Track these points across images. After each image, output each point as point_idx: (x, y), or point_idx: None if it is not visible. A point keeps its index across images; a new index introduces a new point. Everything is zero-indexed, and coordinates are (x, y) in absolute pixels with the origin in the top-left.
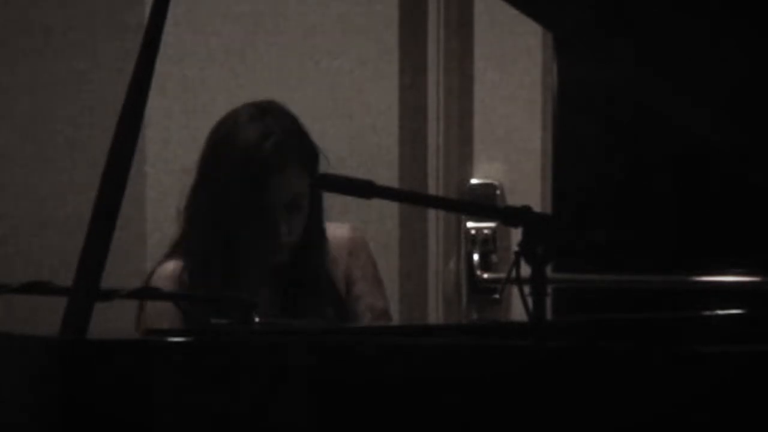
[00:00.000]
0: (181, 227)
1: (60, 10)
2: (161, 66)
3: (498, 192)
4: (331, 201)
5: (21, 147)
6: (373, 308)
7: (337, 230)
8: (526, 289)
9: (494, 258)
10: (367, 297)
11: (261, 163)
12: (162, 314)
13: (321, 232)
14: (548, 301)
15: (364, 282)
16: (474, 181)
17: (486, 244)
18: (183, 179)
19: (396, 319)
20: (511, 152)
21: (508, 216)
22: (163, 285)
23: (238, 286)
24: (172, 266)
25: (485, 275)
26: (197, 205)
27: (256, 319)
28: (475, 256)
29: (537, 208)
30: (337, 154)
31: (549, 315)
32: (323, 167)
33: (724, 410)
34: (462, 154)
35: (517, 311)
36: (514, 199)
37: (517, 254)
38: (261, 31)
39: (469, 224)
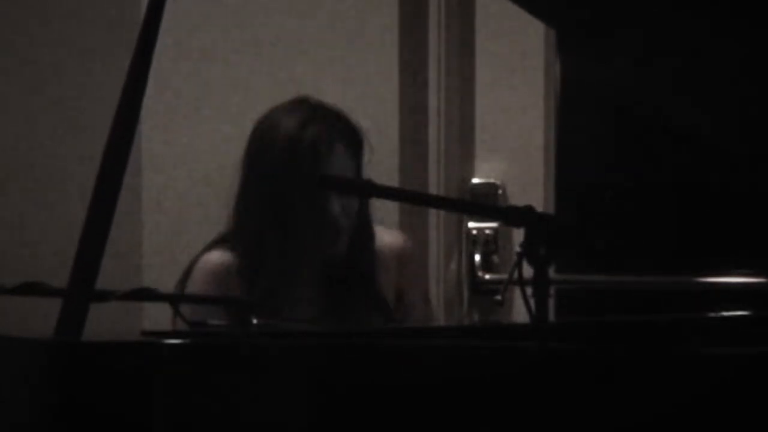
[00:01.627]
0: (231, 224)
1: (54, 9)
2: (157, 67)
3: (500, 191)
4: None
5: (15, 147)
6: (427, 314)
7: (387, 237)
8: (529, 291)
9: (496, 259)
10: (418, 309)
11: (308, 148)
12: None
13: (369, 222)
14: (551, 303)
15: (414, 294)
16: (475, 180)
17: (487, 244)
18: (180, 177)
19: None
20: (513, 151)
21: (510, 216)
22: (206, 278)
23: (289, 282)
24: (216, 258)
25: (487, 276)
26: (247, 201)
27: (254, 321)
28: (477, 257)
29: (539, 207)
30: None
31: (551, 317)
32: (367, 149)
33: (729, 412)
34: (463, 153)
35: (520, 313)
36: (516, 199)
37: (520, 255)
38: (259, 33)
39: (471, 224)
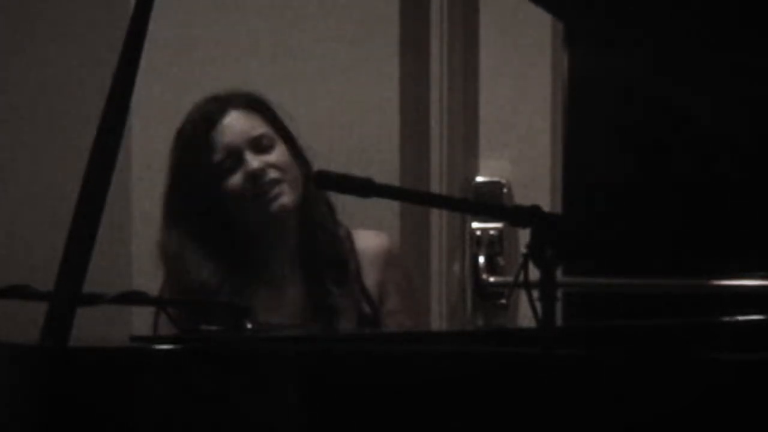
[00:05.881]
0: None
1: (42, 8)
2: (148, 63)
3: (505, 190)
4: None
5: (3, 148)
6: (404, 326)
7: (372, 239)
8: (535, 294)
9: (501, 260)
10: (401, 314)
11: (201, 119)
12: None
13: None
14: (558, 307)
15: (398, 297)
16: (479, 178)
17: (492, 245)
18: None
19: None
20: (518, 148)
21: (516, 216)
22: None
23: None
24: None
25: (491, 279)
26: (170, 207)
27: (248, 326)
28: (481, 259)
29: (546, 207)
30: (335, 151)
31: (558, 321)
32: (287, 117)
33: (739, 418)
34: (467, 151)
35: (525, 317)
36: (521, 198)
37: (525, 257)
38: (257, 28)
39: (475, 225)
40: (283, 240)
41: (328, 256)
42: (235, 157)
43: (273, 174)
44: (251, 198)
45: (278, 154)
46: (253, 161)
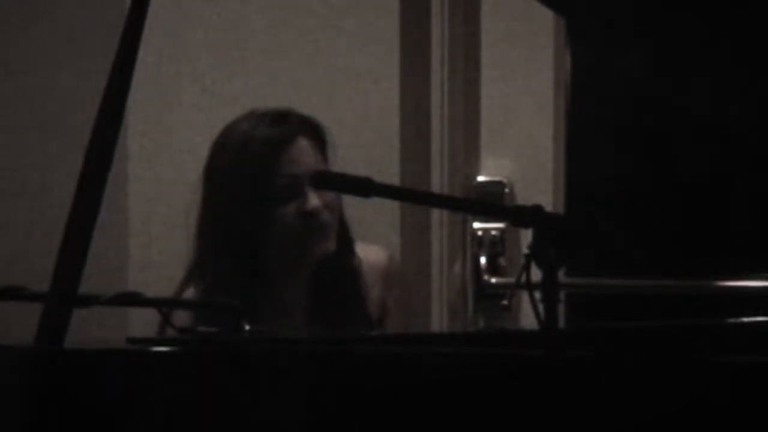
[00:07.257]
0: (196, 248)
1: (37, 7)
2: (146, 65)
3: (507, 190)
4: None
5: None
6: None
7: (372, 254)
8: (537, 295)
9: (503, 261)
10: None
11: (266, 141)
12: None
13: (345, 221)
14: (560, 308)
15: (397, 314)
16: (481, 178)
17: (494, 246)
18: (167, 179)
19: None
20: (520, 147)
21: (518, 216)
22: (186, 315)
23: (269, 303)
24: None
25: (493, 280)
26: (210, 218)
27: (247, 327)
28: (482, 260)
29: (548, 207)
30: (335, 151)
31: (561, 322)
32: (332, 150)
33: (744, 420)
34: (468, 150)
35: (528, 318)
36: (523, 198)
37: (528, 257)
38: (255, 29)
39: (476, 225)
40: (302, 273)
41: (341, 296)
42: (295, 187)
43: (326, 216)
44: (299, 235)
45: (332, 194)
46: (313, 199)
